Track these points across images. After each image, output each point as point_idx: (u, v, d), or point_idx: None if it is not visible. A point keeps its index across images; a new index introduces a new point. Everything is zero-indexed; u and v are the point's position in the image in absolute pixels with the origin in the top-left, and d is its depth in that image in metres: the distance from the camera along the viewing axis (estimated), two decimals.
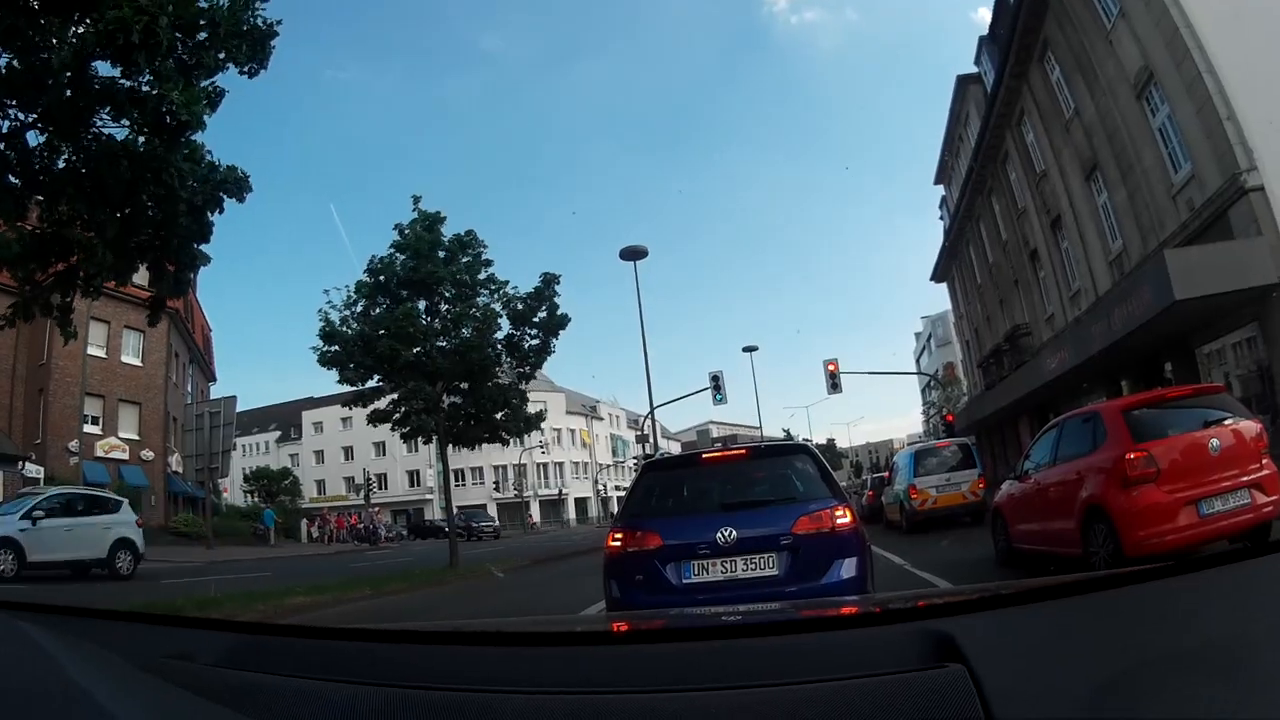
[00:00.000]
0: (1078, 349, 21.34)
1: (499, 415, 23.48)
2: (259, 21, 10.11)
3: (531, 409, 24.94)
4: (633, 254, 32.63)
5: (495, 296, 23.15)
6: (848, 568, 6.05)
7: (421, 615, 12.41)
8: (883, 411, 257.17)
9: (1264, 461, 8.15)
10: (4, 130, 9.68)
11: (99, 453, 35.59)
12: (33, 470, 31.35)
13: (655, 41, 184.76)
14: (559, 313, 23.16)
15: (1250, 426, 8.40)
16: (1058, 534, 9.30)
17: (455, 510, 26.57)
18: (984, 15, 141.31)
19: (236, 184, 10.85)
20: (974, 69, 33.18)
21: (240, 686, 1.45)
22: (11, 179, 9.89)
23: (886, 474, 28.84)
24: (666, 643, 1.57)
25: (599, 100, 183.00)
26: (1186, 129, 16.57)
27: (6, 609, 1.72)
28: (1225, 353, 17.31)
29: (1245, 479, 7.92)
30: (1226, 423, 8.35)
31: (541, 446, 73.02)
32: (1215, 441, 8.09)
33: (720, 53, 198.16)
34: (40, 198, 10.52)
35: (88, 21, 9.14)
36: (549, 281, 23.11)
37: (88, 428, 34.88)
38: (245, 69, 10.28)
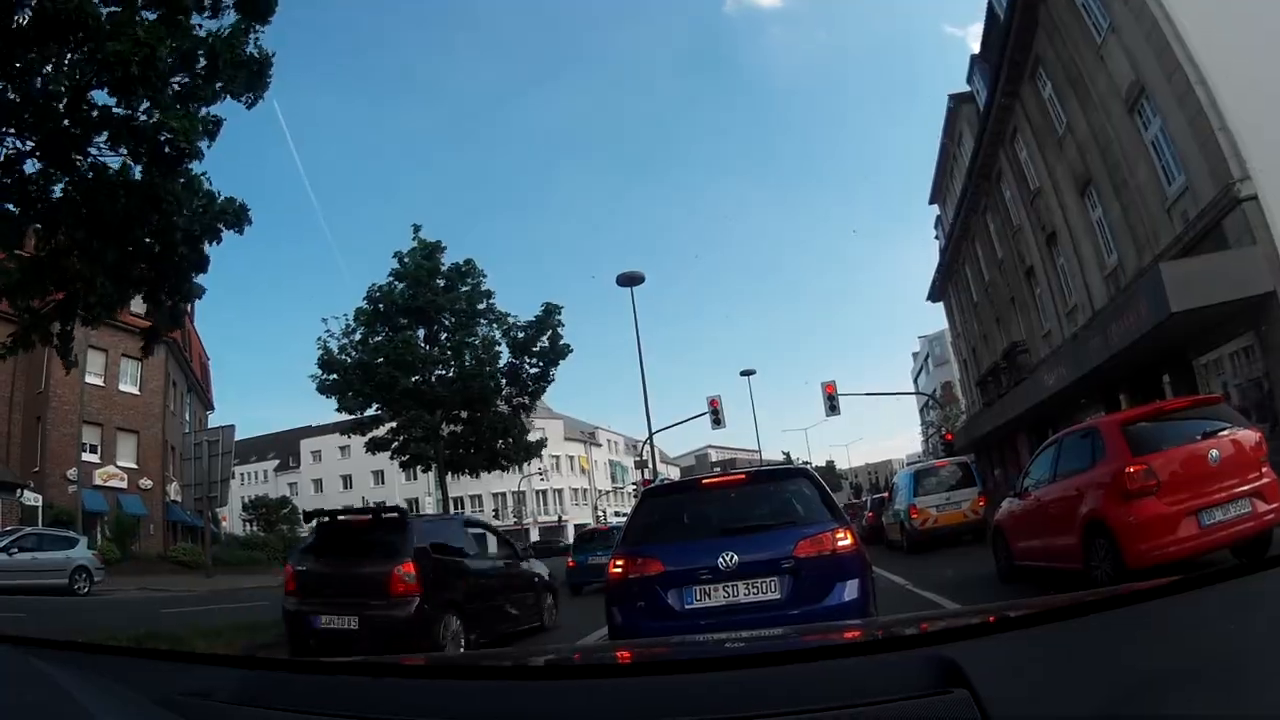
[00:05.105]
0: (1075, 364, 21.28)
1: (499, 444, 23.45)
2: (254, 51, 10.16)
3: (531, 437, 24.92)
4: (629, 280, 32.52)
5: (495, 326, 23.19)
6: (850, 590, 6.05)
7: None
8: (881, 432, 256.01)
9: (1264, 470, 8.16)
10: (1, 158, 9.66)
11: (97, 481, 35.38)
12: (31, 499, 31.26)
13: (635, 73, 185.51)
14: (561, 343, 23.19)
15: (1249, 436, 8.39)
16: (1059, 549, 9.26)
17: None
18: (951, 31, 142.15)
19: (235, 215, 10.79)
20: (966, 88, 33.29)
21: None
22: (9, 207, 9.88)
23: (886, 494, 28.78)
24: (670, 674, 1.56)
25: (595, 133, 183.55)
26: (1179, 141, 16.57)
27: (21, 645, 1.73)
28: (1223, 363, 17.25)
29: (1245, 488, 7.92)
30: (1225, 433, 8.35)
31: (541, 473, 72.73)
32: (1214, 452, 8.08)
33: (704, 82, 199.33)
34: (38, 226, 10.52)
35: (85, 50, 9.13)
36: (551, 311, 23.14)
37: (86, 456, 34.60)
38: (244, 99, 10.33)
